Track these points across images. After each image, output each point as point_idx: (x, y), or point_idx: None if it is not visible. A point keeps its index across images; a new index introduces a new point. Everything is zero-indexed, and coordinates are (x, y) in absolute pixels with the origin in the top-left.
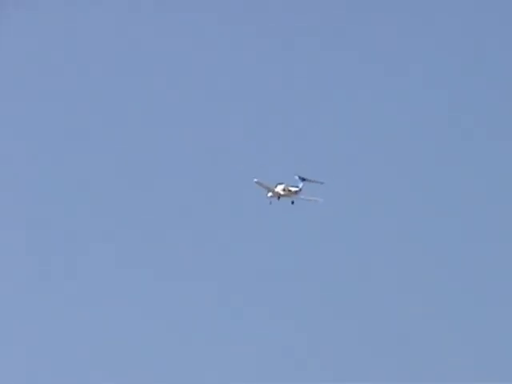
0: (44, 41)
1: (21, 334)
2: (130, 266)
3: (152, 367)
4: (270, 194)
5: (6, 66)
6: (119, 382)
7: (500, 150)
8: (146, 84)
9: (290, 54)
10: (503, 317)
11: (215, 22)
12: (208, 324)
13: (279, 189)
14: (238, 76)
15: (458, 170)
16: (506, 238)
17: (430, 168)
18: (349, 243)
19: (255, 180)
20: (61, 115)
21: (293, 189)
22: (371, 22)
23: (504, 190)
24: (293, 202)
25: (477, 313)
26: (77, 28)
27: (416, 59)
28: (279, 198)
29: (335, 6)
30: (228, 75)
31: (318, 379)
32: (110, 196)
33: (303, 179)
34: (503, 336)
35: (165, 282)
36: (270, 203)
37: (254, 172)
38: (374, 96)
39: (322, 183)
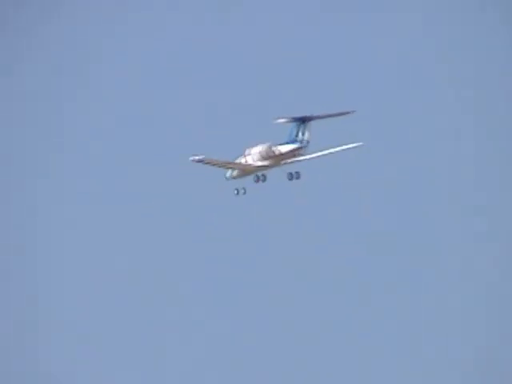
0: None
1: None
2: None
3: None
4: (234, 173)
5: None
6: None
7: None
8: None
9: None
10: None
11: None
12: None
13: (255, 154)
14: None
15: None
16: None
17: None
18: None
19: (192, 158)
20: None
21: (285, 148)
22: None
23: None
24: (295, 176)
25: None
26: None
27: None
28: (258, 178)
29: None
30: None
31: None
32: None
33: (303, 119)
34: None
35: None
36: (238, 193)
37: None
38: None
39: (350, 112)
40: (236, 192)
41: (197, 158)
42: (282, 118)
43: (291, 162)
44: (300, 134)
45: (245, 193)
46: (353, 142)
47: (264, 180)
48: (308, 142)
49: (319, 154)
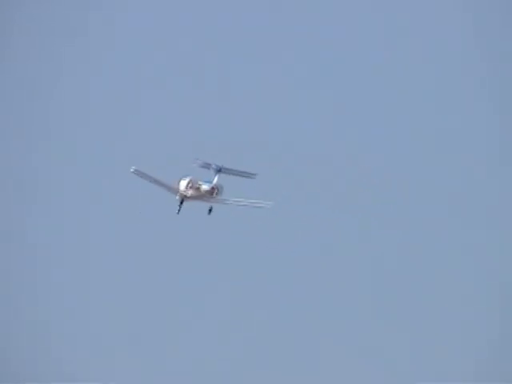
0: None
1: None
2: None
3: None
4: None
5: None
6: None
7: None
8: None
9: None
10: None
11: None
12: None
13: (183, 186)
14: None
15: None
16: None
17: None
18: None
19: (133, 169)
20: None
21: (204, 186)
22: None
23: None
24: (210, 211)
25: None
26: None
27: None
28: (181, 202)
29: None
30: None
31: None
32: None
33: (219, 170)
34: None
35: None
36: (179, 211)
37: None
38: None
39: (253, 176)
40: (179, 206)
41: (138, 171)
42: (200, 162)
43: (208, 200)
44: (215, 179)
45: (178, 212)
46: (264, 200)
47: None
48: (217, 186)
49: (231, 200)
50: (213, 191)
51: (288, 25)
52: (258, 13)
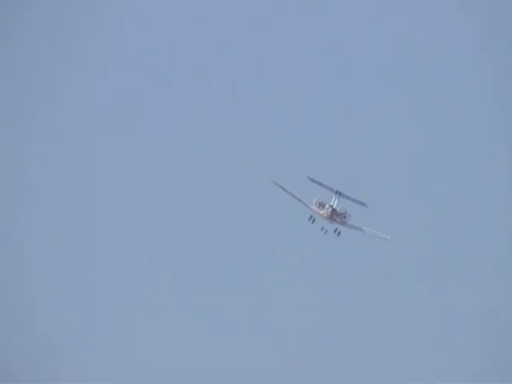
0: None
1: None
2: None
3: None
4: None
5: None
6: None
7: None
8: None
9: None
10: None
11: None
12: None
13: (315, 204)
14: None
15: None
16: None
17: None
18: None
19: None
20: None
21: (329, 207)
22: None
23: None
24: (339, 233)
25: None
26: None
27: None
28: (313, 220)
29: None
30: None
31: None
32: None
33: (338, 192)
34: None
35: None
36: (313, 221)
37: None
38: None
39: (365, 206)
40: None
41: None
42: (314, 180)
43: (337, 223)
44: (335, 201)
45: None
46: (385, 233)
47: (313, 221)
48: (345, 211)
49: (356, 227)
50: (340, 214)
51: (296, 27)
52: (266, 15)
